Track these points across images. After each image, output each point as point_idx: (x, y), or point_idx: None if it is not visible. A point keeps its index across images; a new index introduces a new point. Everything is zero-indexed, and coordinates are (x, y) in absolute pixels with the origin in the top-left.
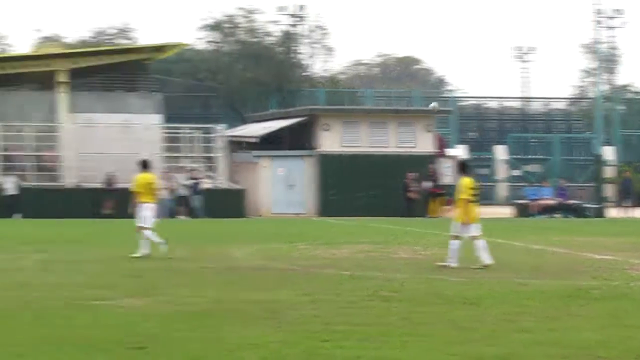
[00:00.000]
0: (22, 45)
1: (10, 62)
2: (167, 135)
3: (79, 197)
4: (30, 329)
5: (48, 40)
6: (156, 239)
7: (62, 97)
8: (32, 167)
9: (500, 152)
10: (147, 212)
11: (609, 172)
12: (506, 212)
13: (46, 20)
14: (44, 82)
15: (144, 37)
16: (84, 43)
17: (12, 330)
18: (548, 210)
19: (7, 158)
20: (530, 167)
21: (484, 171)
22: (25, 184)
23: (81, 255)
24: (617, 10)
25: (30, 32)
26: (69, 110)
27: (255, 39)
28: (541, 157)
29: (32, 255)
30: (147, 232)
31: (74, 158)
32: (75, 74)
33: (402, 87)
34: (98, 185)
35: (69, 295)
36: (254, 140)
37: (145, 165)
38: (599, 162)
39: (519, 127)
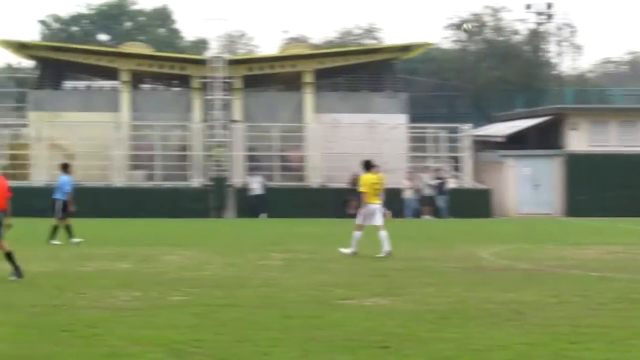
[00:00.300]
0: (269, 46)
1: (258, 63)
2: (412, 135)
3: (324, 197)
4: (277, 327)
5: (294, 41)
6: (354, 240)
7: (308, 98)
8: (278, 167)
9: None
10: (374, 213)
11: None
12: None
13: (293, 21)
14: (291, 82)
15: (390, 36)
16: (329, 43)
17: (259, 327)
18: None
19: (253, 158)
20: None
21: None
22: (271, 183)
23: (326, 254)
24: None
25: (278, 33)
26: (314, 110)
27: (502, 38)
28: None
29: (278, 254)
30: (382, 233)
31: (319, 158)
32: (320, 74)
33: None
34: (343, 186)
35: (314, 294)
36: (500, 139)
37: (367, 166)
38: None
39: None
